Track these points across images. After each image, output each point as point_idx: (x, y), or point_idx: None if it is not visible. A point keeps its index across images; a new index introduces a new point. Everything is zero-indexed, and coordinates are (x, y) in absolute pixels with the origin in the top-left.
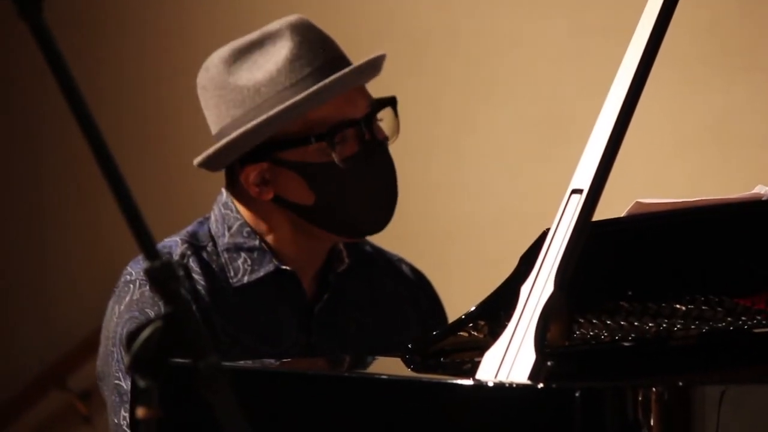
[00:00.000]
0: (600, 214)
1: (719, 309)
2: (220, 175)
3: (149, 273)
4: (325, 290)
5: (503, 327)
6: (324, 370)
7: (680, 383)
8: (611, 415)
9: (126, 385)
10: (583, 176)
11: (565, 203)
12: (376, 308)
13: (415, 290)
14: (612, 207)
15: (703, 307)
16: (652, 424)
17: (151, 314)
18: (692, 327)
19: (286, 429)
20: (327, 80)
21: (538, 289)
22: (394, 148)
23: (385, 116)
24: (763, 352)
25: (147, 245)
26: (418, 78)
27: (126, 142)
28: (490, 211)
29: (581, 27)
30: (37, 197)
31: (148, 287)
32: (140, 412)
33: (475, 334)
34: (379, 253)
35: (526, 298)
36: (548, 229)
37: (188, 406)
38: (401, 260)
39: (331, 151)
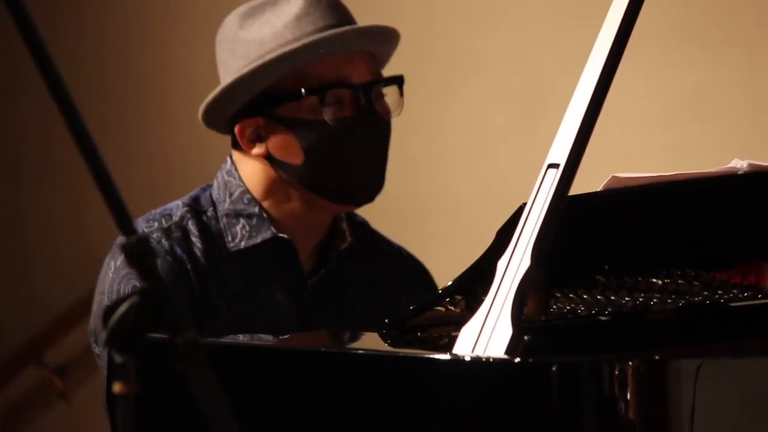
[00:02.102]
0: (576, 188)
1: (696, 283)
2: (203, 156)
3: (125, 249)
4: (324, 265)
5: (480, 302)
6: (300, 345)
7: (656, 357)
8: (588, 389)
9: None
10: (560, 151)
11: (542, 178)
12: (373, 293)
13: (411, 279)
14: (588, 181)
15: (680, 281)
16: (628, 398)
17: None
18: (669, 301)
19: (263, 404)
20: (325, 33)
21: (515, 264)
22: None
23: (390, 93)
24: (739, 326)
25: (123, 220)
26: (396, 53)
27: (104, 116)
28: (469, 186)
29: (559, 1)
30: (16, 172)
31: None
32: (117, 387)
33: (452, 308)
34: (384, 241)
35: (502, 273)
36: (525, 204)
37: (167, 381)
38: (401, 248)
39: (322, 108)
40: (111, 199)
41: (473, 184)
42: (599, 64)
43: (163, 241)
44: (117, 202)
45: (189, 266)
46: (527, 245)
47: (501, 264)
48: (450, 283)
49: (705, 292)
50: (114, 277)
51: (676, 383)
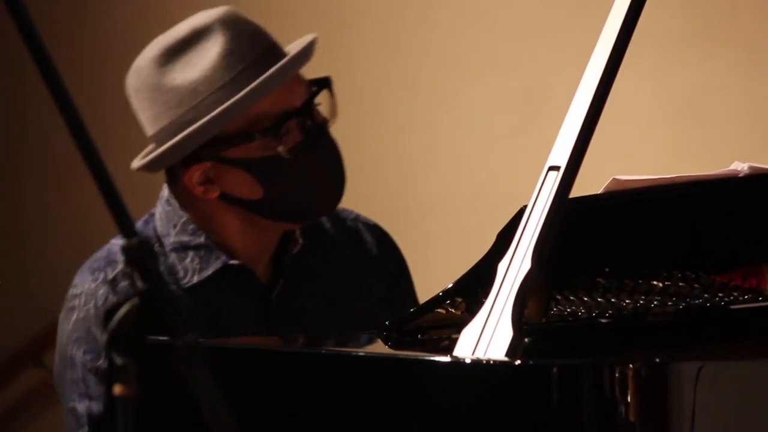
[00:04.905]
0: (577, 190)
1: (696, 285)
2: None
3: (126, 251)
4: (281, 274)
5: (480, 304)
6: (301, 347)
7: (657, 360)
8: (588, 391)
9: (81, 408)
10: (561, 153)
11: (542, 180)
12: (336, 279)
13: (376, 252)
14: (589, 184)
15: (680, 284)
16: (628, 400)
17: (97, 334)
18: (669, 303)
19: (263, 406)
20: (267, 74)
21: (516, 266)
22: (370, 126)
23: (322, 99)
24: (739, 328)
25: (124, 223)
26: (393, 55)
27: (105, 118)
28: (468, 188)
29: (557, 1)
30: (16, 173)
31: (92, 304)
32: (118, 389)
33: (453, 311)
34: (333, 218)
35: (503, 275)
36: (525, 206)
37: (166, 383)
38: (357, 218)
39: (278, 145)
40: (111, 200)
41: (473, 187)
42: (600, 66)
43: (110, 297)
44: (117, 204)
45: None
46: (528, 247)
47: (501, 266)
48: (450, 285)
49: (705, 295)
50: (68, 341)
51: (676, 386)
